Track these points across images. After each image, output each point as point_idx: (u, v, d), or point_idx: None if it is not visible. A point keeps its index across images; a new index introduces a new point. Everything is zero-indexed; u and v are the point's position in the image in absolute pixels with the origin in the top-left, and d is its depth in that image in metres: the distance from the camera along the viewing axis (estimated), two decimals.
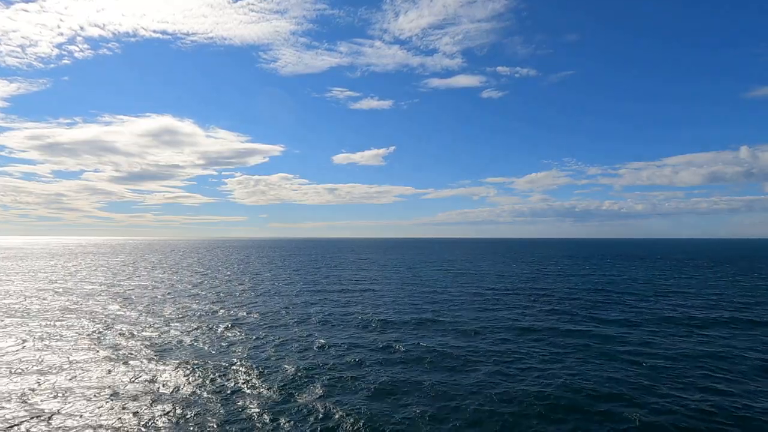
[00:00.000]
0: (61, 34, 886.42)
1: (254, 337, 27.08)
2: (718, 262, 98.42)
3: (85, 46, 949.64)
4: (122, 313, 34.80)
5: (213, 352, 24.01)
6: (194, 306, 38.14)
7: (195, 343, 25.60)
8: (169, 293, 45.97)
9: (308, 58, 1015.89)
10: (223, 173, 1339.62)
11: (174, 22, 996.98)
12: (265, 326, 30.23)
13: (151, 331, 28.45)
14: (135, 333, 27.97)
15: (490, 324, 30.53)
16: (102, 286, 51.39)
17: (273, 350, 24.39)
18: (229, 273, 70.59)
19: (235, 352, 24.00)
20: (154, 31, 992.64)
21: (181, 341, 26.08)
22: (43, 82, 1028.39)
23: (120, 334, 27.76)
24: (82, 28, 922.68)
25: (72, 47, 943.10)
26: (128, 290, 48.18)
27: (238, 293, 46.38)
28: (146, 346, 24.85)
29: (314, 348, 24.83)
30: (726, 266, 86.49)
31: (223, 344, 25.56)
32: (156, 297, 43.26)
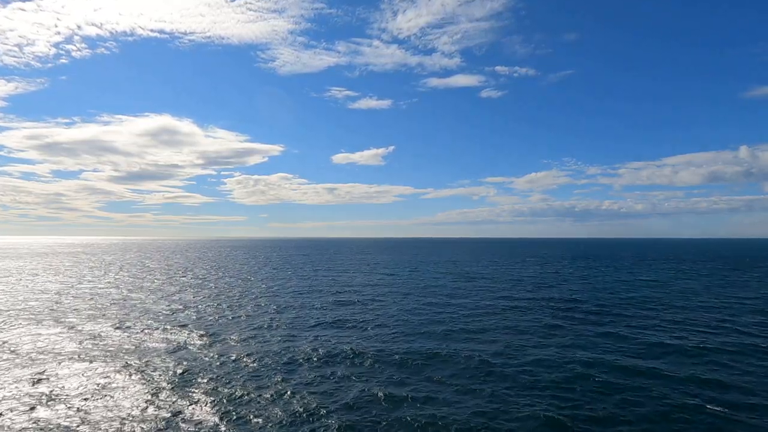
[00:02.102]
0: (59, 33, 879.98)
1: (183, 379, 19.41)
2: (739, 264, 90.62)
3: (83, 45, 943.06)
4: (32, 330, 27.13)
5: (111, 401, 16.36)
6: (132, 322, 30.42)
7: (92, 385, 17.95)
8: (118, 301, 38.24)
9: (306, 57, 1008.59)
10: (222, 173, 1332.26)
11: (171, 21, 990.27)
12: (208, 361, 22.52)
13: (47, 361, 20.77)
14: (22, 363, 20.30)
15: (529, 359, 22.60)
16: (47, 294, 43.72)
17: (202, 408, 16.72)
18: (204, 274, 62.87)
19: (146, 396, 16.35)
20: (152, 31, 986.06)
21: (77, 384, 18.41)
22: (41, 81, 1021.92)
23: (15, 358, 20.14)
24: (79, 27, 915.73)
25: (69, 46, 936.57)
26: (77, 295, 40.54)
27: (201, 302, 38.70)
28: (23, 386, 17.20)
29: (263, 401, 17.18)
30: (750, 269, 78.77)
31: (130, 386, 17.91)
32: (100, 305, 35.55)
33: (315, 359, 21.87)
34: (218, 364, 21.12)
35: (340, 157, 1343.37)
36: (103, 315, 32.71)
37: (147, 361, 21.30)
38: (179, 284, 52.59)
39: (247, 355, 22.51)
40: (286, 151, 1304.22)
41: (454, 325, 29.34)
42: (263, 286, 51.22)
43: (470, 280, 58.52)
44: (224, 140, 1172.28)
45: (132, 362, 21.14)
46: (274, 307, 36.72)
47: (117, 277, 61.41)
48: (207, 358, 21.95)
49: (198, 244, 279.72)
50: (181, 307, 36.53)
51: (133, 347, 23.90)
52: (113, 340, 25.29)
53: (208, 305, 37.42)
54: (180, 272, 69.42)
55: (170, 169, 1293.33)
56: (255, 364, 21.00)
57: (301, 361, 21.65)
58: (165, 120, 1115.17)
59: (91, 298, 40.54)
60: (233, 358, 22.05)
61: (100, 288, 48.37)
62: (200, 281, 56.04)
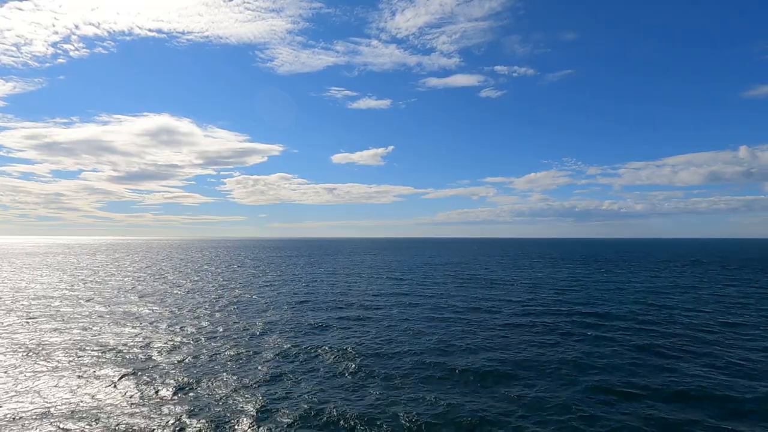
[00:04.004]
0: (56, 32, 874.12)
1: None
2: (762, 265, 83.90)
3: (81, 44, 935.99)
4: None
5: None
6: (42, 349, 23.81)
7: None
8: (54, 314, 31.55)
9: (305, 57, 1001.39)
10: (221, 173, 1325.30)
11: (169, 21, 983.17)
12: (105, 416, 15.87)
13: None
14: None
15: (603, 425, 15.92)
16: None
17: None
18: (179, 279, 56.12)
19: None
20: (150, 30, 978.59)
21: None
22: (39, 81, 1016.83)
23: None
24: (77, 27, 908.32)
25: (67, 46, 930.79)
26: (6, 307, 33.92)
27: (153, 318, 32.09)
28: None
29: None
30: None
31: None
32: (26, 319, 28.90)
33: (266, 423, 15.24)
34: (125, 415, 14.50)
35: (339, 157, 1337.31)
36: (18, 335, 26.05)
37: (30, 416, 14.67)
38: (144, 292, 45.92)
39: (168, 404, 15.87)
40: (285, 151, 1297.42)
41: (475, 357, 22.63)
42: (239, 293, 44.54)
43: (480, 286, 51.87)
44: (223, 140, 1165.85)
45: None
46: (239, 326, 30.04)
47: (84, 281, 54.79)
48: (106, 412, 15.29)
49: (195, 245, 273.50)
50: (126, 325, 29.92)
51: (16, 387, 17.23)
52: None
53: (160, 324, 30.76)
54: (153, 277, 62.78)
55: (170, 169, 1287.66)
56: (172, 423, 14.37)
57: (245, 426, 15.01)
58: (164, 120, 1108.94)
59: (22, 310, 33.89)
60: (150, 408, 15.41)
61: (51, 295, 41.73)
62: (170, 287, 49.32)
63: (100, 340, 24.98)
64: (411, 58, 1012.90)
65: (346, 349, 23.32)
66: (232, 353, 22.60)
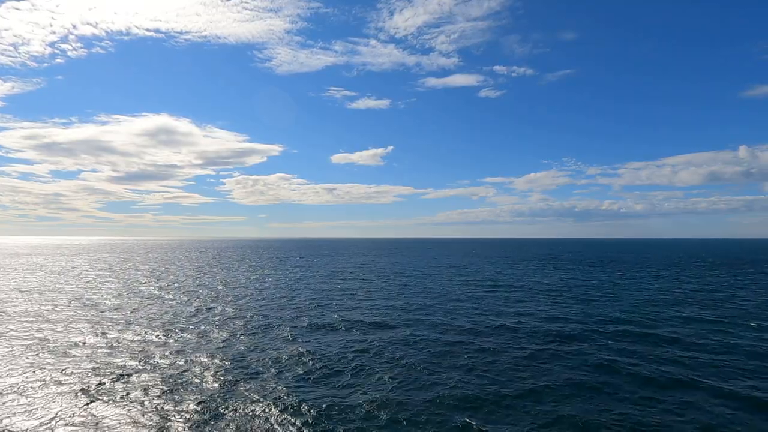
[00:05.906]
0: (54, 32, 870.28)
1: None
2: None
3: (79, 44, 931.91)
4: None
5: None
6: None
7: None
8: None
9: (303, 57, 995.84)
10: (221, 173, 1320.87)
11: (167, 21, 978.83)
12: None
13: None
14: None
15: None
16: None
17: None
18: (147, 285, 49.95)
19: None
20: (148, 30, 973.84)
21: None
22: (37, 81, 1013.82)
23: None
24: (74, 27, 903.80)
25: (65, 46, 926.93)
26: None
27: (95, 345, 25.99)
28: None
29: None
30: None
31: None
32: None
33: None
34: None
35: (339, 157, 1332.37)
36: None
37: None
38: (102, 303, 39.78)
39: None
40: (285, 151, 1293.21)
41: (504, 412, 16.46)
42: (206, 303, 38.35)
43: (494, 295, 45.60)
44: (223, 140, 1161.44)
45: None
46: (186, 351, 23.87)
47: (40, 290, 48.69)
48: None
49: (191, 245, 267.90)
50: (54, 350, 23.80)
51: None
52: None
53: (97, 346, 24.66)
54: (125, 281, 56.61)
55: (169, 170, 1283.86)
56: None
57: None
58: (163, 119, 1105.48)
59: None
60: None
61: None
62: (133, 295, 43.05)
63: (10, 373, 18.85)
64: (410, 57, 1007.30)
65: (304, 393, 17.13)
66: (159, 391, 16.44)
